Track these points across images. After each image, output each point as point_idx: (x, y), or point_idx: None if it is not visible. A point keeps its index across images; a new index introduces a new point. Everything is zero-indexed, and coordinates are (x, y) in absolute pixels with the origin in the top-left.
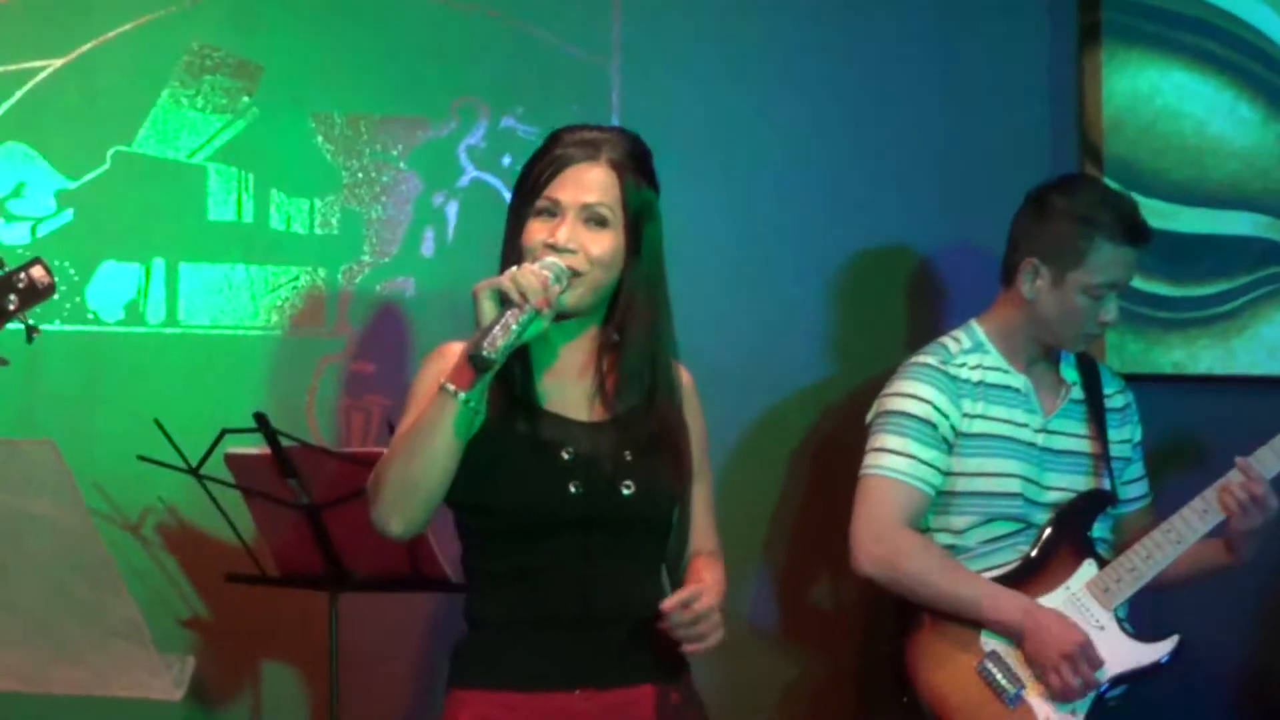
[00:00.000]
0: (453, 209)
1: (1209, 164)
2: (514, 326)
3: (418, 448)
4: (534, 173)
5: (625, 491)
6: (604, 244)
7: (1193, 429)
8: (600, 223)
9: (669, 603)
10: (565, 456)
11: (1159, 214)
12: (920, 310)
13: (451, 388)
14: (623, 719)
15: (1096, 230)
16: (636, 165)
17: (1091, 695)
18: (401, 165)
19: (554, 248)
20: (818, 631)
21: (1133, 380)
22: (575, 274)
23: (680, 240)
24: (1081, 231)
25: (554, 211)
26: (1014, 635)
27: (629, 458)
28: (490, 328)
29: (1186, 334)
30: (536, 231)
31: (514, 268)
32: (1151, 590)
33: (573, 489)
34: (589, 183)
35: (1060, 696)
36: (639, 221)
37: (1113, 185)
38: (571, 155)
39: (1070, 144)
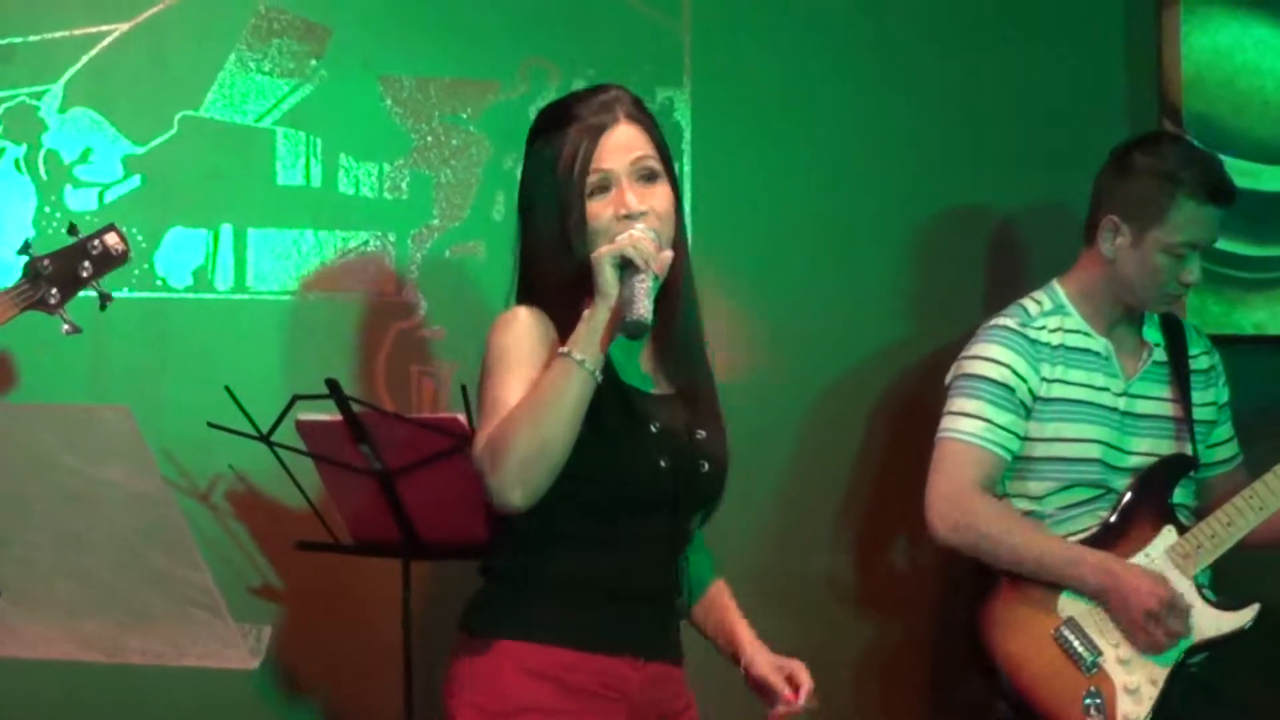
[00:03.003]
0: None
1: None
2: (648, 291)
3: (547, 418)
4: (565, 152)
5: (704, 468)
6: (663, 198)
7: (1276, 391)
8: (652, 177)
9: (808, 694)
10: (653, 430)
11: (1240, 172)
12: (998, 269)
13: (579, 356)
14: (661, 692)
15: (1179, 187)
16: (645, 111)
17: (1173, 660)
18: (471, 128)
19: (629, 216)
20: (894, 595)
21: (1213, 341)
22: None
23: (756, 202)
24: (1163, 188)
25: (606, 184)
26: (1095, 595)
27: (701, 435)
28: (632, 296)
29: (1269, 294)
30: (601, 209)
31: (626, 234)
32: (1238, 552)
33: (663, 463)
34: (627, 143)
35: (1150, 651)
36: (672, 164)
37: (1178, 134)
38: (597, 124)
39: (1149, 101)
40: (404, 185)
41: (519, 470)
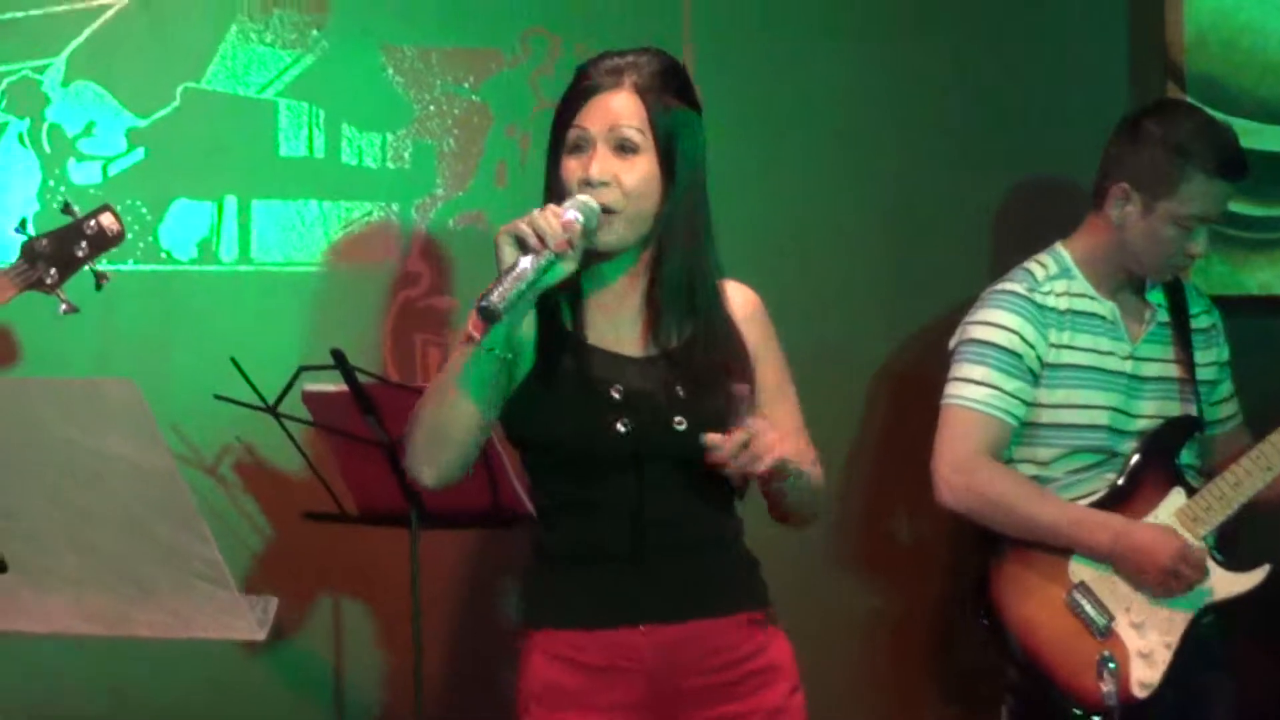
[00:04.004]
0: (526, 141)
1: None
2: (529, 273)
3: (443, 397)
4: (565, 107)
5: (678, 428)
6: (636, 172)
7: None
8: (630, 149)
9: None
10: (615, 395)
11: (1244, 132)
12: (999, 237)
13: (475, 335)
14: (690, 654)
15: (1190, 160)
16: (664, 85)
17: (1192, 607)
18: (473, 97)
19: (588, 183)
20: (899, 562)
21: (1219, 301)
22: (611, 210)
23: (755, 166)
24: (1175, 160)
25: (584, 143)
26: (1106, 559)
27: (681, 393)
28: (501, 277)
29: (1273, 254)
30: (572, 169)
31: (535, 210)
32: (1245, 513)
33: (621, 427)
34: (614, 109)
35: (1167, 598)
36: (671, 142)
37: (1193, 103)
38: (597, 84)
39: (1152, 62)
40: (407, 155)
41: (424, 450)
